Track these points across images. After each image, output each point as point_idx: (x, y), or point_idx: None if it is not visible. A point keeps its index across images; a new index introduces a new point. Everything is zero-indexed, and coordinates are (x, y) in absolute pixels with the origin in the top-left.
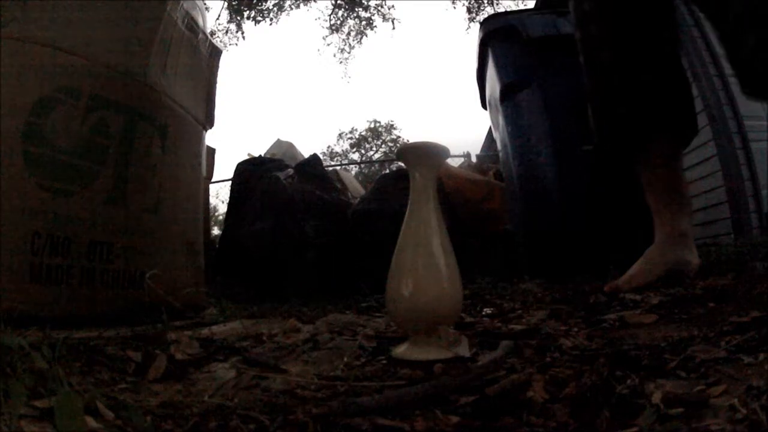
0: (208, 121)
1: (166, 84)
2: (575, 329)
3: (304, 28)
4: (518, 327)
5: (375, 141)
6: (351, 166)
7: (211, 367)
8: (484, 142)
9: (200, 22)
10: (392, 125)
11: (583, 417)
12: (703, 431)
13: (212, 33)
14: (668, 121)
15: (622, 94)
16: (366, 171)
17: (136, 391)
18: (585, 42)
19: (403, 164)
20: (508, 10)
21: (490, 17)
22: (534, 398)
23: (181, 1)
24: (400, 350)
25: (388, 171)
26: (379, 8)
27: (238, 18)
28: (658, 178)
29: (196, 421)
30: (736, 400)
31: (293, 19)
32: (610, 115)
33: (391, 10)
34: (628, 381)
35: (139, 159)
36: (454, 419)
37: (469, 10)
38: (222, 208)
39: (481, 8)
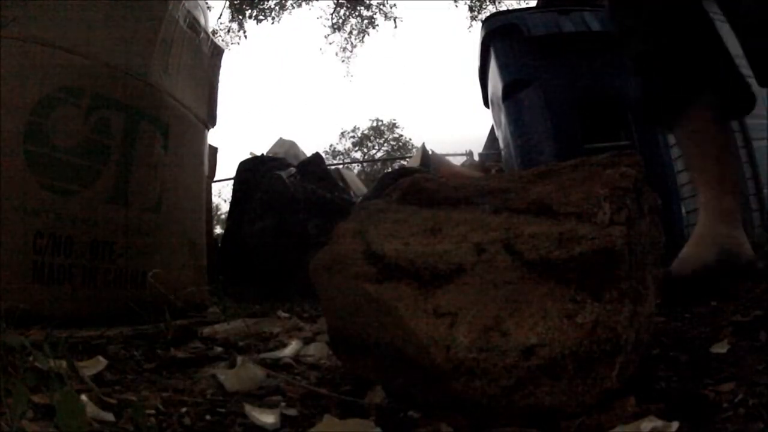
0: (210, 120)
1: (168, 83)
2: None
3: (305, 27)
4: None
5: (377, 140)
6: (353, 164)
7: (213, 365)
8: (487, 141)
9: (202, 21)
10: (394, 124)
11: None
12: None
13: (214, 32)
14: (702, 83)
15: (655, 59)
16: (368, 170)
17: (137, 389)
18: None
19: (405, 163)
20: (510, 8)
21: (492, 15)
22: None
23: (183, 0)
24: None
25: (390, 169)
26: (381, 7)
27: (240, 17)
28: (697, 145)
29: (197, 419)
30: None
31: (295, 18)
32: (649, 78)
33: (393, 8)
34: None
35: (140, 158)
36: None
37: (471, 9)
38: (224, 207)
39: (483, 6)
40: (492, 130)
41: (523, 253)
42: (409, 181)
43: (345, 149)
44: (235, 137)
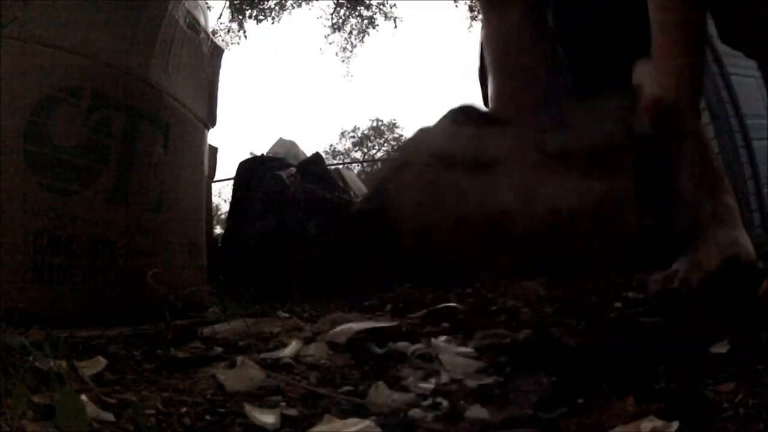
0: (210, 120)
1: (168, 83)
2: (581, 327)
3: (305, 27)
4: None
5: (377, 139)
6: (353, 164)
7: (213, 365)
8: None
9: (202, 21)
10: (394, 124)
11: None
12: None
13: (214, 32)
14: None
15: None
16: (368, 170)
17: (137, 389)
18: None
19: None
20: None
21: None
22: None
23: (183, 1)
24: None
25: None
26: (381, 7)
27: (240, 17)
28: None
29: (197, 419)
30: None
31: (295, 18)
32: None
33: (393, 8)
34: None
35: (140, 158)
36: None
37: (471, 9)
38: (224, 207)
39: None
40: None
41: (547, 148)
42: (457, 107)
43: (345, 149)
44: (235, 137)
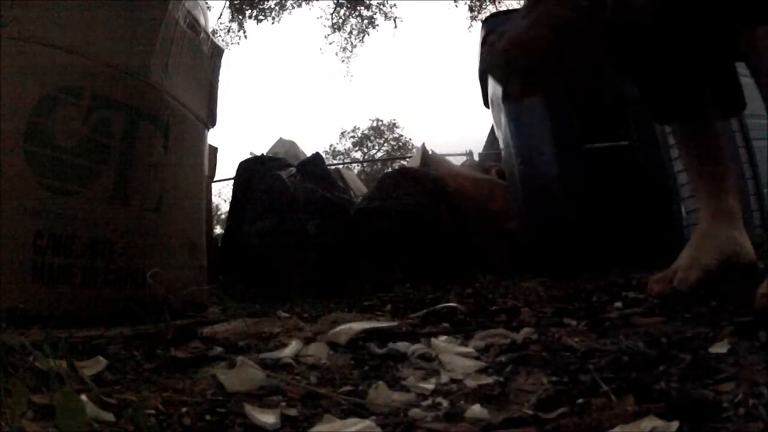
0: (210, 120)
1: (168, 83)
2: (581, 327)
3: (305, 27)
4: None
5: (377, 139)
6: (353, 164)
7: (213, 365)
8: (487, 141)
9: (202, 21)
10: (394, 124)
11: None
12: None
13: (214, 32)
14: (699, 82)
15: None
16: (368, 170)
17: (137, 389)
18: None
19: (405, 163)
20: (510, 8)
21: (492, 16)
22: None
23: (183, 0)
24: None
25: (390, 169)
26: (381, 7)
27: (240, 17)
28: (695, 145)
29: (197, 419)
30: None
31: (295, 18)
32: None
33: (393, 8)
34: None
35: (140, 158)
36: None
37: (471, 9)
38: (224, 207)
39: (483, 7)
40: (492, 130)
41: None
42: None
43: (345, 149)
44: (236, 137)
